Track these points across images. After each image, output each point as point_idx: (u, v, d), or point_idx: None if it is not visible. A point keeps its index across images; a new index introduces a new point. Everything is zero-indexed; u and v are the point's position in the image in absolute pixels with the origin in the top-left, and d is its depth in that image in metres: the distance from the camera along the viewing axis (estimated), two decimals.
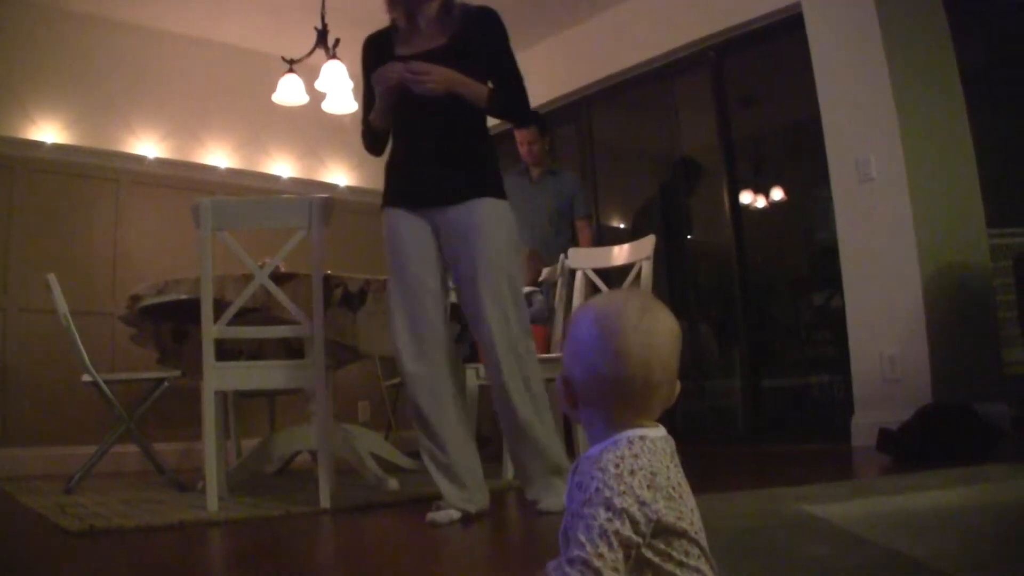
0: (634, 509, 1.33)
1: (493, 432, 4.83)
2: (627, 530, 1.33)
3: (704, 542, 1.42)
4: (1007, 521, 2.53)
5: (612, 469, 1.35)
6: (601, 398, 1.43)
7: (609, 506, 1.32)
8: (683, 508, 1.40)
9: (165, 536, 3.18)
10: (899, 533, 2.42)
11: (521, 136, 6.13)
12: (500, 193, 3.48)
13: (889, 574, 2.03)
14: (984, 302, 4.61)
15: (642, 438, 1.42)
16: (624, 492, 1.34)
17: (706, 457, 5.03)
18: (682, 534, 1.38)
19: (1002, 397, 4.04)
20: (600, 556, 1.30)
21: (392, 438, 5.96)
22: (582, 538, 1.31)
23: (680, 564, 1.37)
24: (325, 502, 3.67)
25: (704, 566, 1.41)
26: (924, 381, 4.52)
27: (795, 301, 5.90)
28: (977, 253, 4.73)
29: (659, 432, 1.45)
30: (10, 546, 3.15)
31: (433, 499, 3.61)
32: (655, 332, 1.43)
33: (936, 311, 4.57)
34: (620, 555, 1.32)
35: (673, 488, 1.40)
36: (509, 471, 4.43)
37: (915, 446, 3.93)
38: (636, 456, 1.38)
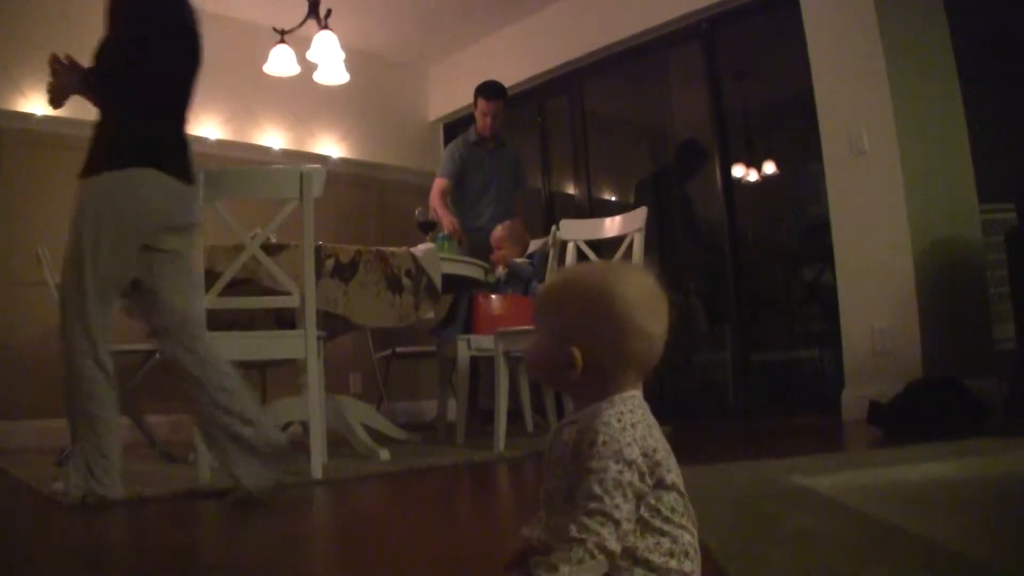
0: (640, 460, 1.36)
1: (489, 407, 4.84)
2: (638, 481, 1.35)
3: (687, 497, 1.44)
4: (998, 494, 2.54)
5: (616, 423, 1.37)
6: (620, 364, 1.44)
7: (619, 458, 1.34)
8: (672, 463, 1.42)
9: (157, 507, 3.19)
10: (889, 505, 2.44)
11: (487, 108, 6.11)
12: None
13: (879, 546, 2.04)
14: (975, 277, 4.62)
15: (633, 396, 1.45)
16: (630, 444, 1.36)
17: (696, 431, 5.05)
18: (671, 488, 1.41)
19: (992, 373, 4.06)
20: (617, 507, 1.32)
21: (384, 409, 5.97)
22: (597, 491, 1.33)
23: (667, 520, 1.39)
24: (317, 473, 3.68)
25: (688, 523, 1.43)
26: (914, 355, 4.54)
27: (786, 275, 5.91)
28: (969, 228, 4.73)
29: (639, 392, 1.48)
30: (2, 518, 3.15)
31: (428, 470, 3.62)
32: (664, 300, 1.47)
33: (927, 286, 4.58)
34: (633, 506, 1.35)
35: (665, 443, 1.43)
36: (501, 443, 4.44)
37: (905, 419, 3.95)
38: (632, 411, 1.41)
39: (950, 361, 4.37)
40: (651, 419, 1.44)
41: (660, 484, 1.39)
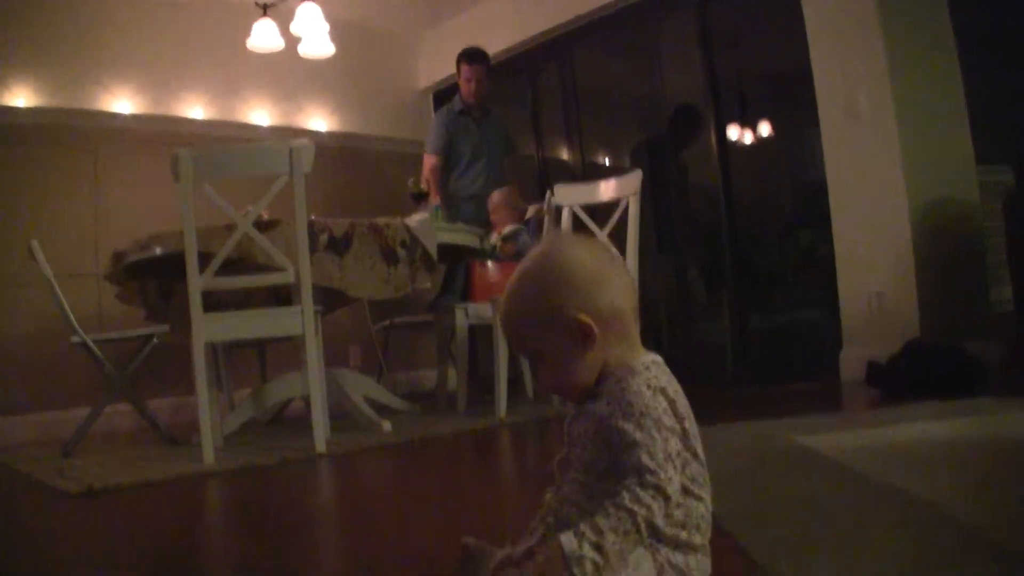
0: (676, 424, 1.36)
1: (488, 373, 4.84)
2: (678, 446, 1.35)
3: (706, 467, 1.44)
4: (996, 454, 2.55)
5: (647, 391, 1.36)
6: (624, 322, 1.44)
7: (660, 427, 1.33)
8: (695, 428, 1.42)
9: (164, 491, 3.19)
10: (890, 465, 2.44)
11: (469, 73, 6.05)
12: None
13: (881, 508, 2.04)
14: (972, 239, 4.60)
15: (654, 362, 1.44)
16: (666, 410, 1.35)
17: (696, 397, 5.05)
18: (695, 455, 1.40)
19: (989, 335, 4.06)
20: (671, 480, 1.31)
21: (384, 380, 5.98)
22: (650, 463, 1.30)
23: (685, 491, 1.38)
24: (320, 448, 3.69)
25: (705, 494, 1.42)
26: (912, 317, 4.53)
27: (783, 239, 5.89)
28: (966, 190, 4.71)
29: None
30: (11, 513, 3.15)
31: (430, 440, 3.63)
32: (615, 256, 1.51)
33: (924, 247, 4.57)
34: (679, 472, 1.34)
35: (688, 407, 1.42)
36: (502, 409, 4.45)
37: (903, 380, 3.95)
38: (658, 377, 1.40)
39: (947, 323, 4.37)
40: (675, 381, 1.43)
41: (687, 448, 1.39)
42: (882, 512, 2.00)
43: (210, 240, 3.75)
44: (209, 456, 3.56)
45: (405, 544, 2.24)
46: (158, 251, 3.99)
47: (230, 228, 3.73)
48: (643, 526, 1.28)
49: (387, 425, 4.23)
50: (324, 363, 4.23)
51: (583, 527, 1.28)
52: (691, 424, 1.41)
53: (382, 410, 4.67)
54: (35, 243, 4.20)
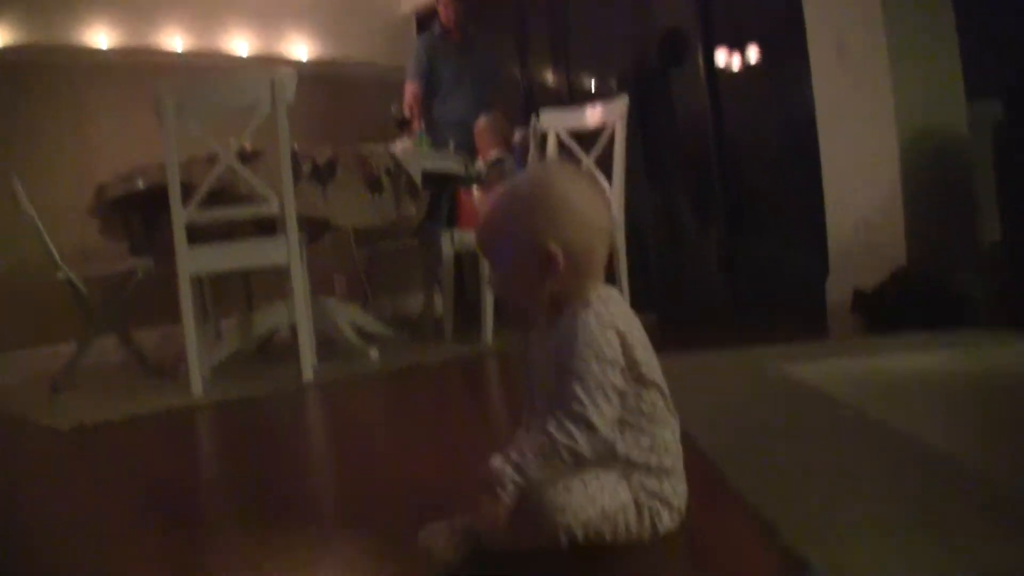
0: (621, 358, 1.40)
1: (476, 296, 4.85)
2: (620, 379, 1.40)
3: (668, 394, 1.48)
4: (980, 388, 2.57)
5: (594, 322, 1.40)
6: (591, 261, 1.47)
7: (600, 357, 1.38)
8: (652, 359, 1.47)
9: (155, 425, 3.20)
10: (875, 397, 2.46)
11: None
12: None
13: (865, 440, 2.07)
14: (961, 170, 4.57)
15: (609, 295, 1.48)
16: (610, 342, 1.39)
17: (682, 319, 5.08)
18: (652, 384, 1.46)
19: (976, 266, 4.06)
20: (599, 411, 1.36)
21: (370, 307, 5.99)
22: (580, 394, 1.36)
23: (648, 417, 1.45)
24: (308, 377, 3.70)
25: (670, 419, 1.48)
26: (899, 247, 4.52)
27: (772, 166, 5.84)
28: (955, 121, 4.67)
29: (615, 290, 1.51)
30: (2, 452, 3.15)
31: (418, 368, 3.64)
32: (602, 191, 1.53)
33: (913, 177, 4.54)
34: (614, 407, 1.39)
35: (644, 338, 1.47)
36: (489, 336, 4.47)
37: (889, 308, 3.97)
38: (610, 310, 1.44)
39: (934, 254, 4.36)
40: (630, 315, 1.47)
41: (640, 380, 1.44)
42: (866, 444, 2.02)
43: (193, 172, 3.72)
44: (197, 388, 3.57)
45: (395, 474, 2.26)
46: (141, 184, 3.96)
47: (213, 160, 3.70)
48: (565, 454, 1.35)
49: (374, 353, 4.25)
50: (310, 292, 4.22)
51: (512, 450, 1.37)
52: (646, 354, 1.45)
53: (369, 338, 4.68)
54: (16, 179, 4.16)
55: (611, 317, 1.42)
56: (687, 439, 1.56)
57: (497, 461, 1.36)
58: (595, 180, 1.44)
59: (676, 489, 1.47)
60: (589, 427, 1.36)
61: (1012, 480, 1.60)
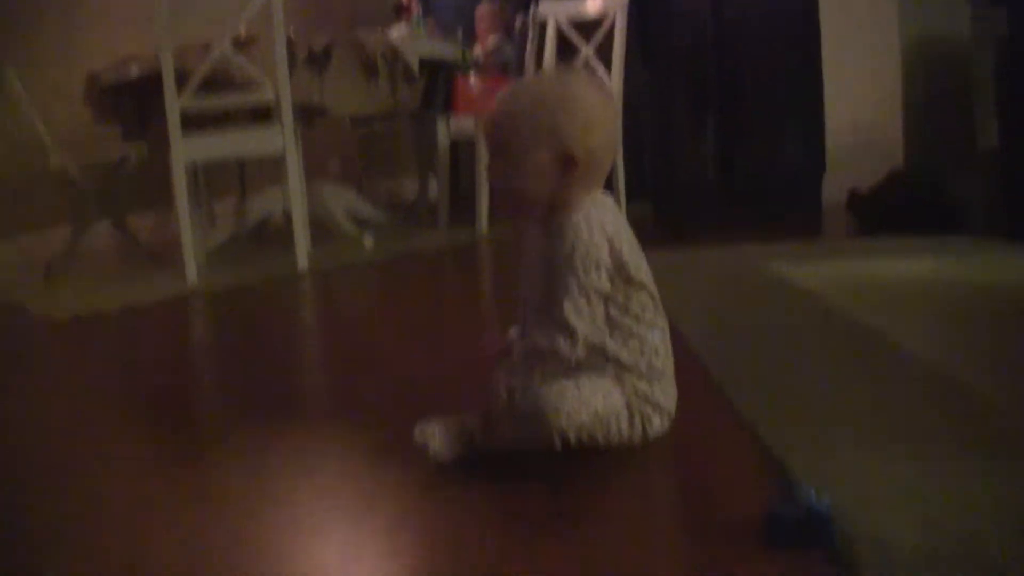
0: (608, 260, 1.44)
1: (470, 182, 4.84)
2: (605, 283, 1.43)
3: (657, 296, 1.52)
4: (970, 297, 2.59)
5: (584, 225, 1.43)
6: (601, 170, 1.52)
7: (586, 261, 1.42)
8: (641, 262, 1.50)
9: (150, 315, 3.22)
10: (865, 302, 2.50)
11: None
12: None
13: (852, 345, 2.10)
14: (961, 74, 4.51)
15: (602, 200, 1.52)
16: (599, 244, 1.43)
17: (677, 211, 5.08)
18: (641, 286, 1.49)
19: (973, 168, 4.05)
20: (581, 317, 1.42)
21: (364, 191, 5.97)
22: (564, 300, 1.42)
23: (637, 319, 1.49)
24: (303, 266, 3.71)
25: (659, 321, 1.52)
26: (896, 148, 4.51)
27: (771, 61, 5.76)
28: (958, 25, 4.60)
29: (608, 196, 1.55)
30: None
31: (412, 255, 3.65)
32: (613, 104, 1.61)
33: (913, 79, 4.50)
34: (599, 310, 1.44)
35: (633, 242, 1.51)
36: (484, 223, 4.48)
37: (883, 210, 3.97)
38: (601, 213, 1.47)
39: (931, 157, 4.35)
40: (621, 220, 1.51)
41: (629, 282, 1.47)
42: (853, 350, 2.06)
43: (187, 60, 3.66)
44: (192, 276, 3.58)
45: (391, 364, 2.32)
46: (135, 72, 3.90)
47: (207, 48, 3.64)
48: (549, 355, 1.43)
49: (368, 239, 4.25)
50: (304, 177, 4.20)
51: (504, 355, 1.49)
52: (635, 257, 1.49)
53: (363, 223, 4.68)
54: (10, 70, 4.08)
55: (601, 221, 1.45)
56: (677, 337, 1.60)
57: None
58: (610, 91, 1.48)
59: (667, 392, 1.51)
60: (571, 332, 1.41)
61: (994, 393, 1.64)
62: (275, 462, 1.64)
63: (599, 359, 1.47)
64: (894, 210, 3.89)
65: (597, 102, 1.49)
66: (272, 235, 4.78)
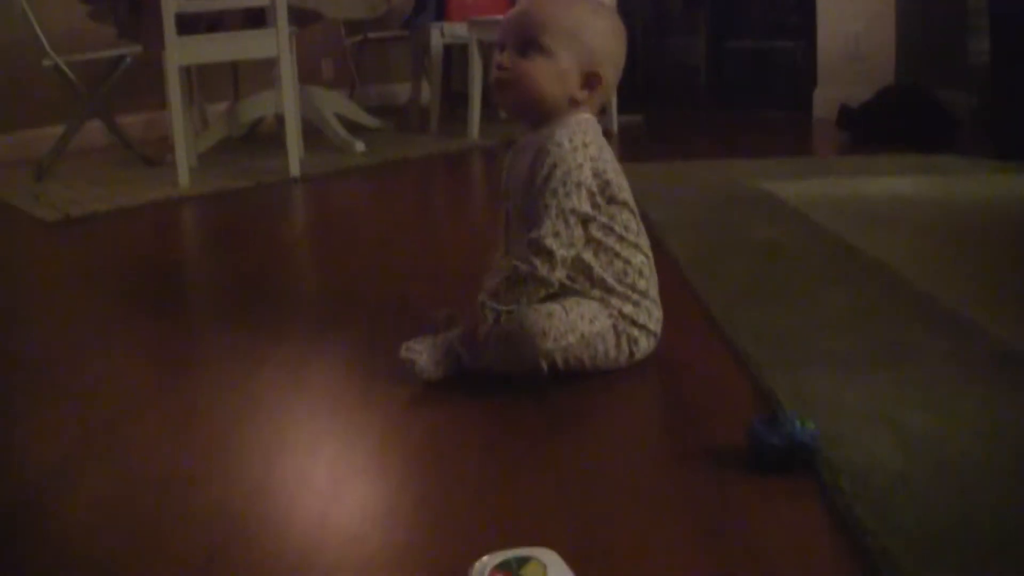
0: (591, 180, 1.46)
1: (462, 90, 4.83)
2: (587, 204, 1.46)
3: (638, 215, 1.56)
4: (956, 217, 2.62)
5: (567, 143, 1.46)
6: (609, 94, 1.58)
7: (567, 180, 1.45)
8: (623, 182, 1.53)
9: (141, 217, 3.24)
10: (852, 221, 2.53)
11: None
12: None
13: (838, 266, 2.14)
14: None
15: (586, 118, 1.53)
16: (581, 164, 1.46)
17: (667, 121, 5.08)
18: (623, 205, 1.52)
19: (964, 85, 4.06)
20: (559, 240, 1.45)
21: (357, 96, 5.94)
22: (544, 221, 1.45)
23: (620, 239, 1.52)
24: (295, 172, 3.72)
25: (642, 242, 1.56)
26: (888, 61, 4.51)
27: None
28: None
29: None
30: None
31: (404, 162, 3.64)
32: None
33: None
34: (579, 231, 1.47)
35: (615, 163, 1.53)
36: (475, 130, 4.48)
37: (874, 125, 3.98)
38: (585, 132, 1.49)
39: (923, 70, 4.33)
40: (602, 139, 1.53)
41: (612, 201, 1.50)
42: (840, 271, 2.10)
43: None
44: (184, 179, 3.59)
45: (380, 272, 2.36)
46: None
47: None
48: (528, 279, 1.46)
49: (360, 145, 4.26)
50: (297, 81, 4.19)
51: (487, 280, 1.51)
52: (618, 177, 1.51)
53: (355, 128, 4.67)
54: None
55: (584, 140, 1.47)
56: (664, 254, 1.62)
57: (481, 294, 1.49)
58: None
59: (652, 314, 1.54)
60: (548, 254, 1.44)
61: (980, 319, 1.67)
62: (269, 364, 1.68)
63: (584, 282, 1.50)
64: (884, 126, 3.91)
65: (622, 34, 1.54)
66: (264, 138, 4.77)
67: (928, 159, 3.42)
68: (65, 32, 4.26)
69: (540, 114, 1.51)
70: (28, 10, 3.87)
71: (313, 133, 4.38)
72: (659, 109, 5.34)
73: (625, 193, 1.51)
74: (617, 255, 1.51)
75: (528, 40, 1.47)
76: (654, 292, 1.56)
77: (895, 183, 3.03)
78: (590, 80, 1.48)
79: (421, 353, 1.49)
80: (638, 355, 1.53)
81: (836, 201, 2.81)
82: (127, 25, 4.23)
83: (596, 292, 1.50)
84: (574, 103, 1.49)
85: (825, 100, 4.65)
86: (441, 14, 5.00)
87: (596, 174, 1.46)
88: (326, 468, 1.27)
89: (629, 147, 4.10)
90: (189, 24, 3.73)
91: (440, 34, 4.85)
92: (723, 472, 1.18)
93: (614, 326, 1.49)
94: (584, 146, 1.46)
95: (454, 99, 5.32)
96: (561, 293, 1.49)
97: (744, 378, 1.49)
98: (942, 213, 2.66)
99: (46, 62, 3.95)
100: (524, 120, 1.56)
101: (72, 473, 1.28)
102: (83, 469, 1.30)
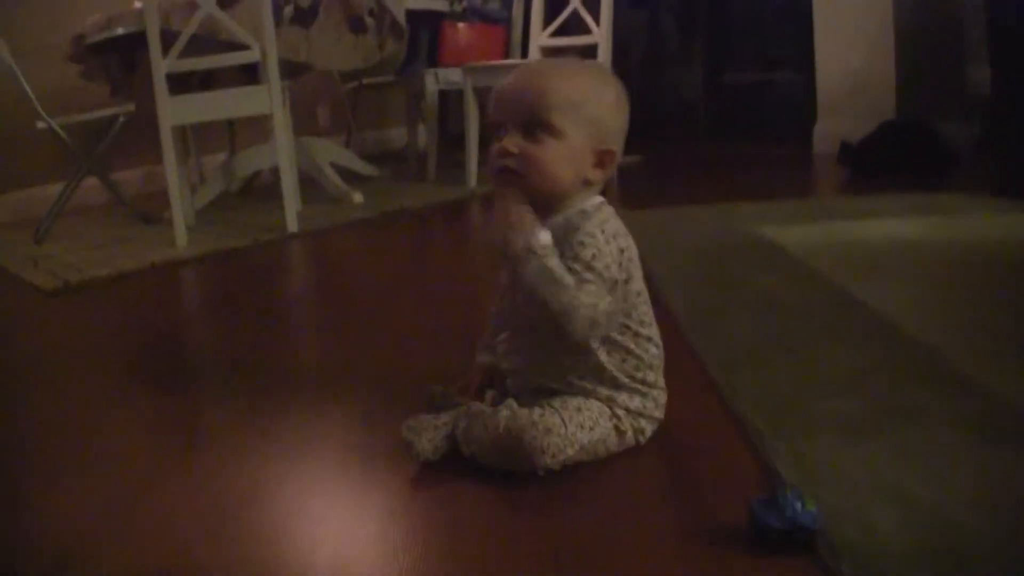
0: (621, 276, 1.38)
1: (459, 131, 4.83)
2: (615, 303, 1.37)
3: (649, 302, 1.49)
4: (956, 264, 2.60)
5: (600, 235, 1.37)
6: (607, 175, 1.44)
7: (606, 276, 1.34)
8: (639, 271, 1.46)
9: (140, 282, 3.20)
10: (854, 269, 2.50)
11: None
12: None
13: (841, 318, 2.11)
14: (953, 19, 4.50)
15: (605, 204, 1.46)
16: (617, 260, 1.37)
17: (666, 161, 5.07)
18: (639, 295, 1.45)
19: (964, 116, 4.05)
20: (592, 295, 1.32)
21: (353, 141, 5.95)
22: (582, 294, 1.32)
23: (636, 335, 1.45)
24: (292, 227, 3.71)
25: (654, 331, 1.49)
26: (888, 94, 4.50)
27: (761, 3, 5.71)
28: None
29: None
30: None
31: (402, 213, 3.63)
32: None
33: (905, 24, 4.46)
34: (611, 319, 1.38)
35: (635, 249, 1.44)
36: (473, 179, 4.47)
37: (874, 160, 3.98)
38: (610, 221, 1.41)
39: (923, 103, 4.33)
40: (620, 222, 1.44)
41: (636, 292, 1.44)
42: (842, 324, 2.07)
43: (171, 17, 3.62)
44: (182, 240, 3.57)
45: (379, 331, 2.34)
46: (120, 31, 3.86)
47: (192, 5, 3.60)
48: (576, 298, 1.31)
49: (358, 196, 4.25)
50: (293, 133, 4.18)
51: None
52: (637, 268, 1.44)
53: (352, 177, 4.67)
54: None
55: (612, 228, 1.39)
56: (664, 310, 1.58)
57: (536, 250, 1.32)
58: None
59: (659, 402, 1.49)
60: (592, 319, 1.33)
61: (982, 376, 1.64)
62: (270, 432, 1.67)
63: (593, 380, 1.44)
64: (885, 161, 3.90)
65: (626, 102, 1.45)
66: (261, 190, 4.76)
67: (928, 198, 3.40)
68: (56, 91, 4.26)
69: (552, 201, 1.41)
70: (17, 71, 3.87)
71: (311, 184, 4.38)
72: (658, 146, 5.33)
73: (641, 282, 1.45)
74: (630, 352, 1.44)
75: (534, 120, 1.37)
76: (662, 380, 1.50)
77: (896, 226, 3.00)
78: (603, 159, 1.40)
79: (420, 435, 1.44)
80: (644, 441, 1.48)
81: (836, 247, 2.78)
82: (120, 83, 4.24)
83: (603, 390, 1.44)
84: (587, 184, 1.42)
85: (825, 135, 4.64)
86: (434, 60, 5.01)
87: (622, 265, 1.38)
88: (329, 556, 1.24)
89: (630, 192, 4.10)
90: (182, 79, 3.73)
91: (435, 80, 4.85)
92: (724, 549, 1.16)
93: (617, 427, 1.43)
94: (614, 237, 1.38)
95: (451, 140, 5.33)
96: (566, 390, 1.44)
97: (745, 447, 1.45)
98: (943, 258, 2.63)
99: (40, 124, 3.95)
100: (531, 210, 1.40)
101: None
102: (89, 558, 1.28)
